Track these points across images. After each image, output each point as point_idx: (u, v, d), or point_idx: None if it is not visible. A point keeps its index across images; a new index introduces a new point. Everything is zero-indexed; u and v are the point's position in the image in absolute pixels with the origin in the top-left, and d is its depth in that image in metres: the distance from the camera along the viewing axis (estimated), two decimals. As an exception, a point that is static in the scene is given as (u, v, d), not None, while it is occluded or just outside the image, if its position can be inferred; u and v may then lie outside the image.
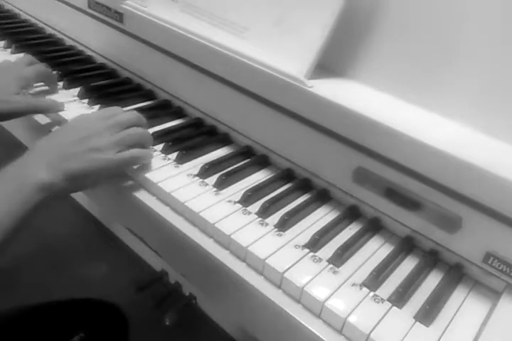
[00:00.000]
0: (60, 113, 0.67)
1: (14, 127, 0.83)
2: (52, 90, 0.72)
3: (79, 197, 1.56)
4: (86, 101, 0.71)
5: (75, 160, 0.50)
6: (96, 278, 1.32)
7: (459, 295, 0.48)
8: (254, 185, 0.58)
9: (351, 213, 0.56)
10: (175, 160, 0.61)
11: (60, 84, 0.75)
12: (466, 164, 0.44)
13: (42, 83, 0.72)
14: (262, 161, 0.64)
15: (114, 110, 0.59)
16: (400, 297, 0.45)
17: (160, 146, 0.63)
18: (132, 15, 0.71)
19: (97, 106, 0.70)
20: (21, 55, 0.85)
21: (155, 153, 0.62)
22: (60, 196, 0.50)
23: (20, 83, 0.65)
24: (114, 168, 0.53)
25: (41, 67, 0.70)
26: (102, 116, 0.56)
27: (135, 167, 0.58)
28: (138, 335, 0.79)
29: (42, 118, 0.69)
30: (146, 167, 0.58)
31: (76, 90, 0.73)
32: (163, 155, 0.62)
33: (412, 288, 0.47)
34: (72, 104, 0.70)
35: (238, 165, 0.62)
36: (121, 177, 0.58)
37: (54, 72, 0.75)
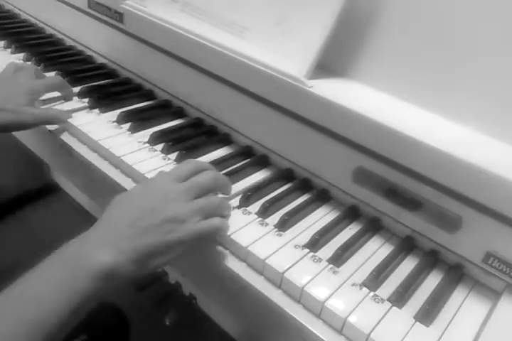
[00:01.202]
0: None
1: (19, 133, 0.83)
2: (67, 98, 0.72)
3: (79, 197, 1.56)
4: (86, 101, 0.71)
5: (148, 236, 0.42)
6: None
7: (458, 295, 0.48)
8: (254, 185, 0.58)
9: (351, 213, 0.56)
10: (175, 160, 0.61)
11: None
12: (466, 164, 0.44)
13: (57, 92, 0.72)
14: (262, 161, 0.64)
15: (191, 166, 0.50)
16: (399, 297, 0.45)
17: (160, 146, 0.63)
18: (132, 15, 0.71)
19: (97, 107, 0.70)
20: (21, 55, 0.85)
21: (155, 153, 0.62)
22: (123, 283, 0.41)
23: (31, 94, 0.64)
24: (191, 241, 0.44)
25: (52, 79, 0.70)
26: (177, 176, 0.48)
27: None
28: (138, 335, 0.79)
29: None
30: (146, 167, 0.58)
31: (76, 90, 0.73)
32: (163, 155, 0.62)
33: (412, 288, 0.47)
34: (72, 104, 0.70)
35: (238, 165, 0.62)
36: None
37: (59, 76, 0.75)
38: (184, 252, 0.44)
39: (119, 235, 0.42)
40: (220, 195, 0.54)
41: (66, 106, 0.70)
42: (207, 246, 0.50)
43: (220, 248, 0.50)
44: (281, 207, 0.56)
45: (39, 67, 0.78)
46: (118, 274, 0.40)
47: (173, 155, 0.62)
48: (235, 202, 0.55)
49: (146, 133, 0.65)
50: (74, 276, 0.39)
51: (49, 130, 0.66)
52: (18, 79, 0.66)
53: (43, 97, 0.69)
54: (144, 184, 0.49)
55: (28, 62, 0.83)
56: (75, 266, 0.39)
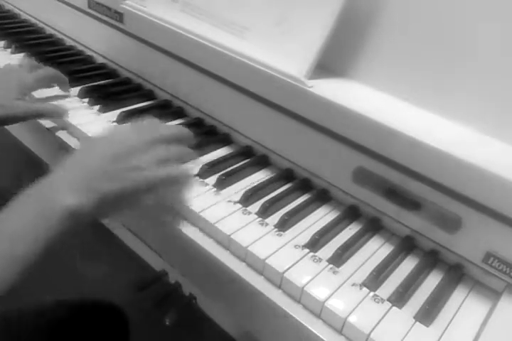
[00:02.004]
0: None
1: (13, 127, 0.83)
2: (64, 88, 0.72)
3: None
4: (86, 101, 0.72)
5: (111, 180, 0.44)
6: (96, 278, 1.31)
7: (458, 295, 0.48)
8: (254, 185, 0.58)
9: (351, 213, 0.56)
10: (175, 160, 0.61)
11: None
12: (466, 164, 0.44)
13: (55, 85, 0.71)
14: (262, 161, 0.64)
15: (154, 123, 0.52)
16: (400, 297, 0.45)
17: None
18: (132, 15, 0.71)
19: (97, 107, 0.70)
20: (21, 55, 0.85)
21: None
22: (89, 222, 0.44)
23: (22, 88, 0.64)
24: (152, 186, 0.46)
25: (45, 72, 0.69)
26: (140, 130, 0.49)
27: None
28: (138, 335, 0.79)
29: (46, 122, 0.68)
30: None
31: (76, 90, 0.73)
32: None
33: (412, 288, 0.47)
34: (72, 104, 0.70)
35: (238, 165, 0.62)
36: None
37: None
38: (147, 199, 0.46)
39: (83, 179, 0.44)
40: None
41: (66, 106, 0.69)
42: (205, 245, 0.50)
43: (220, 247, 0.50)
44: (281, 207, 0.56)
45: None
46: (83, 214, 0.43)
47: (173, 155, 0.61)
48: (236, 197, 0.55)
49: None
50: (44, 215, 0.42)
51: (49, 129, 0.66)
52: (10, 73, 0.66)
53: (41, 96, 0.69)
54: (109, 131, 0.50)
55: (28, 62, 0.83)
56: (43, 208, 0.42)
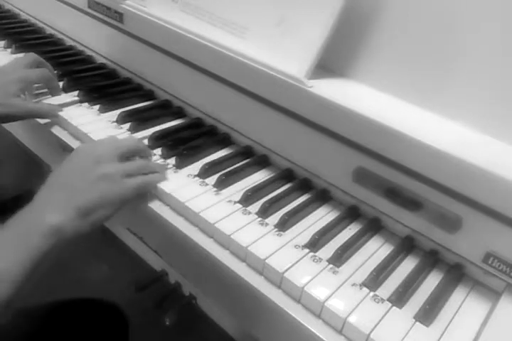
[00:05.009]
0: (61, 113, 0.66)
1: (13, 127, 0.83)
2: (54, 93, 0.72)
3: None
4: (86, 101, 0.71)
5: (85, 193, 0.47)
6: (96, 278, 1.31)
7: (458, 295, 0.48)
8: (254, 185, 0.58)
9: (351, 213, 0.56)
10: (175, 161, 0.61)
11: (60, 84, 0.75)
12: (466, 164, 0.44)
13: (43, 86, 0.71)
14: (262, 161, 0.64)
15: (114, 138, 0.57)
16: (399, 297, 0.45)
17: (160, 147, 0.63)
18: (132, 15, 0.71)
19: (97, 107, 0.70)
20: (21, 55, 0.85)
21: (156, 156, 0.62)
22: (73, 238, 0.46)
23: (20, 86, 0.64)
24: (127, 195, 0.50)
25: (43, 71, 0.69)
26: (106, 143, 0.54)
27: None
28: (138, 335, 0.79)
29: (46, 122, 0.68)
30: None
31: (76, 90, 0.73)
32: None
33: (412, 288, 0.47)
34: (72, 104, 0.70)
35: (238, 165, 0.62)
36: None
37: (55, 72, 0.74)
38: (123, 206, 0.50)
39: (60, 197, 0.47)
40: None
41: (66, 106, 0.69)
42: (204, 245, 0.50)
43: (220, 247, 0.50)
44: (281, 207, 0.56)
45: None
46: (66, 230, 0.45)
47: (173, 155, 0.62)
48: (236, 197, 0.55)
49: (146, 133, 0.65)
50: (27, 236, 0.44)
51: (47, 128, 0.66)
52: (8, 69, 0.66)
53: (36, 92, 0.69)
54: (77, 150, 0.54)
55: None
56: (27, 228, 0.44)
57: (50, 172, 0.50)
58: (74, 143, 0.64)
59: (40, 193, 0.48)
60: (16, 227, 0.45)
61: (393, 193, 0.51)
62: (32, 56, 0.70)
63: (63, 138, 0.65)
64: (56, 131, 0.67)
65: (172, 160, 0.61)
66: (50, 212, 0.45)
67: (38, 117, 0.67)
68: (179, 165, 0.60)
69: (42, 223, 0.44)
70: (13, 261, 0.42)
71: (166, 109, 0.74)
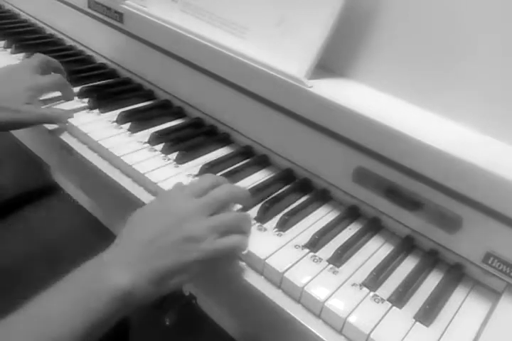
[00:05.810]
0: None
1: (18, 131, 0.83)
2: (68, 98, 0.71)
3: (79, 197, 1.56)
4: (86, 101, 0.71)
5: (164, 256, 0.41)
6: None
7: (458, 295, 0.48)
8: (253, 185, 0.58)
9: (351, 213, 0.56)
10: (175, 160, 0.61)
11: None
12: (466, 164, 0.44)
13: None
14: (262, 161, 0.64)
15: (208, 181, 0.48)
16: (399, 297, 0.45)
17: (160, 146, 0.63)
18: (132, 15, 0.71)
19: (96, 110, 0.70)
20: (21, 55, 0.85)
21: (155, 153, 0.62)
22: (139, 305, 0.40)
23: (32, 93, 0.63)
24: (210, 259, 0.43)
25: (55, 77, 0.68)
26: (192, 192, 0.46)
27: None
28: (138, 335, 0.79)
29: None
30: (147, 167, 0.58)
31: (76, 90, 0.73)
32: (163, 155, 0.62)
33: (412, 288, 0.47)
34: (72, 104, 0.70)
35: (238, 165, 0.62)
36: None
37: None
38: (202, 271, 0.44)
39: (136, 256, 0.41)
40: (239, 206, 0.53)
41: (66, 106, 0.69)
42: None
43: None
44: (281, 207, 0.55)
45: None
46: (135, 296, 0.39)
47: (173, 155, 0.62)
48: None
49: (146, 133, 0.65)
50: (89, 298, 0.38)
51: (49, 130, 0.66)
52: (22, 73, 0.65)
53: (43, 97, 0.68)
54: (159, 200, 0.48)
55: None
56: (91, 288, 0.39)
57: (132, 213, 0.45)
58: (74, 143, 0.64)
59: (111, 249, 0.42)
60: (79, 284, 0.39)
61: (393, 193, 0.51)
62: (40, 57, 0.69)
63: (63, 138, 0.65)
64: (56, 131, 0.66)
65: (173, 156, 0.61)
66: (122, 275, 0.39)
67: (49, 123, 0.66)
68: (179, 162, 0.60)
69: (109, 286, 0.38)
70: (70, 326, 0.37)
71: (166, 109, 0.74)
